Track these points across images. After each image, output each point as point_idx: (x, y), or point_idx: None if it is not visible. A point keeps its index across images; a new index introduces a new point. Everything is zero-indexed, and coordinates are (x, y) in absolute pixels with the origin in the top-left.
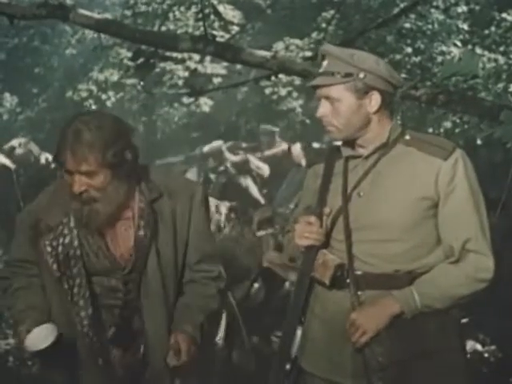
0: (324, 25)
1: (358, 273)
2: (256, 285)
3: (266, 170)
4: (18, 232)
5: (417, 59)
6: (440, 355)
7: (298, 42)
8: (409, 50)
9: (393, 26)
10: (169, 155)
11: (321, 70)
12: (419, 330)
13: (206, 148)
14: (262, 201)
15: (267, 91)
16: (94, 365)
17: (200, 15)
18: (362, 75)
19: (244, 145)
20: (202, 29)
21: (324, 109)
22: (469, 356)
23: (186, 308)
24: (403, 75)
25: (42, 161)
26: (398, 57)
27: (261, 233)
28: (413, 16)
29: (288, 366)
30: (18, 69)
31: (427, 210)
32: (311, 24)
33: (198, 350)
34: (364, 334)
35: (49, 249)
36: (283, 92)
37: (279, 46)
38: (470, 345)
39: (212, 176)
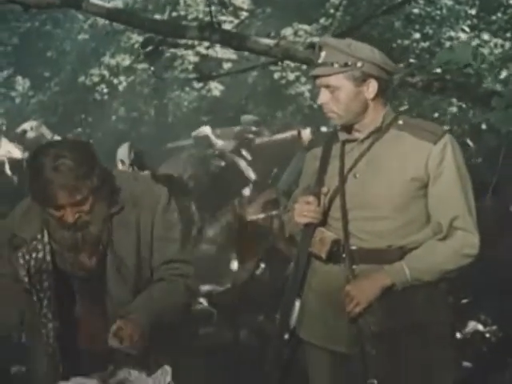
0: (332, 11)
1: (353, 248)
2: (262, 265)
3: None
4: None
5: (425, 44)
6: (429, 327)
7: (306, 27)
8: (417, 35)
9: (401, 11)
10: (180, 138)
11: (319, 61)
12: (409, 301)
13: (195, 133)
14: (253, 177)
15: (276, 76)
16: (54, 371)
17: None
18: (359, 64)
19: (253, 128)
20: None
21: (324, 97)
22: (470, 336)
23: (141, 298)
24: (412, 60)
25: None
26: (406, 42)
27: (261, 215)
28: (422, 2)
29: (287, 336)
30: (30, 53)
31: (417, 190)
32: (319, 10)
33: (145, 339)
34: (358, 304)
35: (21, 261)
36: (291, 77)
37: (288, 31)
38: (472, 325)
39: (209, 160)
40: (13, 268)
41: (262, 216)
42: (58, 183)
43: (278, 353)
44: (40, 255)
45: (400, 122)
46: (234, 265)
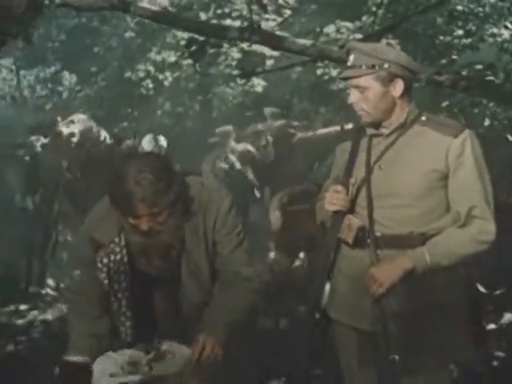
0: (374, 8)
1: (378, 234)
2: (301, 255)
3: (270, 155)
4: (80, 250)
5: (467, 41)
6: (447, 308)
7: (348, 24)
8: (460, 32)
9: (443, 8)
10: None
11: (349, 64)
12: (429, 284)
13: (219, 130)
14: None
15: (319, 72)
16: None
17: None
18: (386, 65)
19: (296, 123)
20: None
21: (354, 96)
22: (505, 327)
23: (214, 309)
24: (454, 56)
25: (102, 138)
26: (448, 38)
27: (302, 206)
28: None
29: (317, 315)
30: (77, 48)
31: (438, 181)
32: (362, 7)
33: (222, 347)
34: (381, 286)
35: (99, 265)
36: (334, 73)
37: (330, 28)
38: (508, 317)
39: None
40: (93, 270)
41: (300, 208)
42: (139, 196)
43: (309, 331)
44: (118, 257)
45: (423, 118)
46: (273, 255)
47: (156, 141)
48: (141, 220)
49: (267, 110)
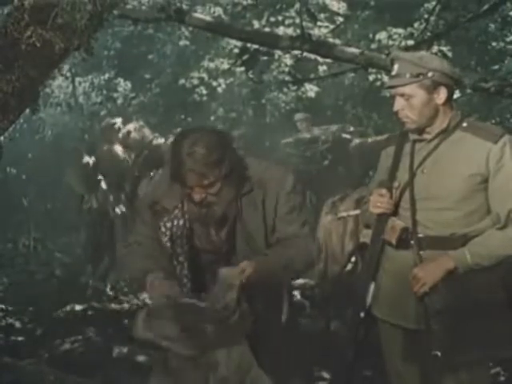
0: (426, 15)
1: (420, 235)
2: (353, 259)
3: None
4: (139, 212)
5: None
6: (487, 306)
7: (400, 31)
8: None
9: (496, 14)
10: (277, 138)
11: (393, 73)
12: (470, 283)
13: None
14: None
15: (371, 78)
16: None
17: (302, 10)
18: (430, 74)
19: (351, 129)
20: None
21: (399, 104)
22: None
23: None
24: (507, 62)
25: (155, 143)
26: (501, 44)
27: (353, 212)
28: None
29: (362, 314)
30: (132, 56)
31: (478, 184)
32: (414, 14)
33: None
34: (424, 285)
35: (163, 229)
36: (386, 79)
37: (382, 35)
38: None
39: None
40: (155, 233)
41: (353, 213)
42: (189, 167)
43: (354, 329)
44: (181, 222)
45: (464, 124)
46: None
47: None
48: (193, 191)
49: (297, 115)
